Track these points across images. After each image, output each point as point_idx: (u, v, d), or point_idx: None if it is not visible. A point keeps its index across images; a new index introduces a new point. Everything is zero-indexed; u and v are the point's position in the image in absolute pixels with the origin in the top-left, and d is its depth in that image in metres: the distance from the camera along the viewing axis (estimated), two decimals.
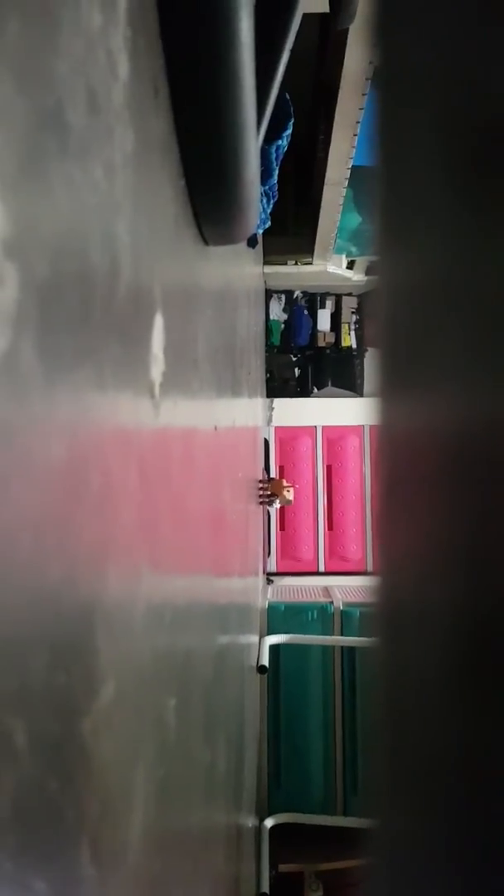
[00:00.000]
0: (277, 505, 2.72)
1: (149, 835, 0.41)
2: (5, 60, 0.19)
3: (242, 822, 1.54)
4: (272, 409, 4.12)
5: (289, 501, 2.69)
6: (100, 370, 0.30)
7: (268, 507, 2.98)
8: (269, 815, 2.55)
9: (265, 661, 2.22)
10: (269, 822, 2.47)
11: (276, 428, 4.11)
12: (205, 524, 0.72)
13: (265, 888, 2.19)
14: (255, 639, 2.27)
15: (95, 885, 0.30)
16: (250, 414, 1.93)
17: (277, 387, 4.23)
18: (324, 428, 4.11)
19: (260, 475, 2.75)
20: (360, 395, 4.23)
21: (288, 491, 2.64)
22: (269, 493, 2.63)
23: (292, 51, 0.66)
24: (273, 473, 4.00)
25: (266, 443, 3.97)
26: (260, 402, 3.07)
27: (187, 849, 0.61)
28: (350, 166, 2.49)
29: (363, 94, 2.03)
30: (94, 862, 0.30)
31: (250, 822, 1.94)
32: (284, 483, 2.66)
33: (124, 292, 0.34)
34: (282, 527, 4.01)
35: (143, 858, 0.39)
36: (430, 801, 0.14)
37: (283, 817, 2.54)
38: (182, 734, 0.55)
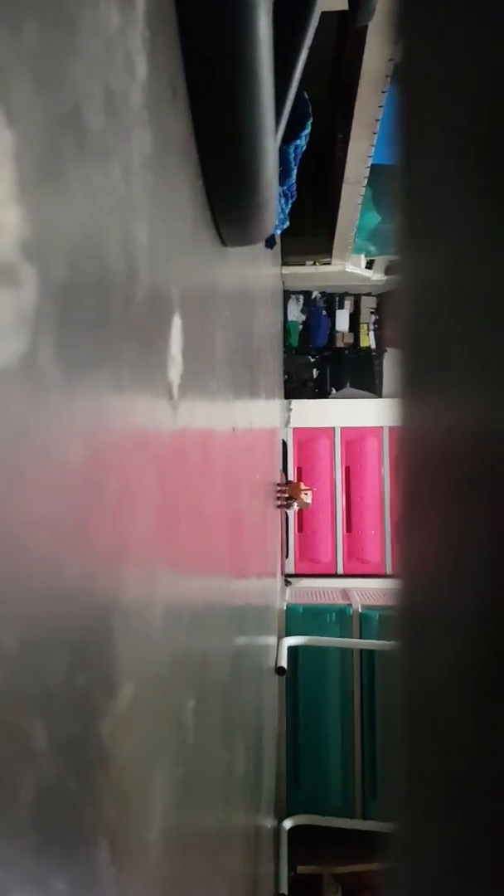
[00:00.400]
0: (296, 508, 2.74)
1: (167, 835, 0.41)
2: (24, 62, 0.20)
3: (261, 823, 1.54)
4: (290, 410, 4.12)
5: (307, 504, 2.71)
6: (118, 372, 0.30)
7: (286, 510, 2.97)
8: (288, 816, 2.55)
9: (283, 663, 2.22)
10: (287, 824, 2.47)
11: (294, 429, 4.10)
12: (222, 526, 0.72)
13: (283, 889, 2.19)
14: (273, 640, 2.27)
15: (114, 886, 0.30)
16: (268, 415, 1.93)
17: (295, 388, 4.22)
18: (342, 429, 4.09)
19: (278, 477, 2.76)
20: (379, 395, 4.21)
21: (306, 494, 2.66)
22: (287, 496, 2.64)
23: (310, 49, 0.65)
24: (291, 475, 3.99)
25: (284, 444, 3.97)
26: (278, 403, 3.07)
27: (206, 849, 0.61)
28: (369, 165, 2.48)
29: (383, 92, 2.02)
30: (114, 862, 0.30)
31: (269, 823, 1.94)
32: (302, 486, 2.68)
33: (142, 294, 0.34)
34: (300, 528, 4.00)
35: (161, 859, 0.39)
36: (450, 805, 0.13)
37: (302, 819, 2.54)
38: (200, 735, 0.55)
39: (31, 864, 0.21)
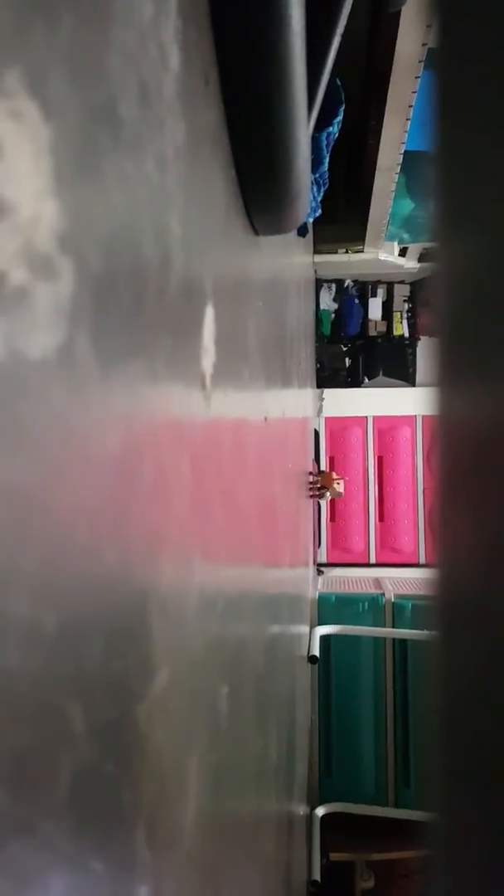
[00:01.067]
0: (328, 497, 2.75)
1: (202, 819, 0.41)
2: (60, 56, 0.20)
3: (294, 809, 1.55)
4: (322, 399, 4.10)
5: (339, 494, 2.74)
6: (152, 362, 0.30)
7: (318, 500, 3.01)
8: (320, 804, 2.56)
9: (316, 652, 2.22)
10: (319, 811, 2.48)
11: (327, 418, 4.08)
12: (255, 514, 0.72)
13: (316, 876, 2.20)
14: (305, 629, 2.27)
15: (150, 868, 0.30)
16: (300, 404, 1.92)
17: (328, 377, 4.20)
18: (375, 418, 4.07)
19: (310, 466, 2.76)
20: (413, 384, 4.17)
21: (338, 483, 2.69)
22: (319, 486, 2.66)
23: (343, 35, 0.65)
24: (323, 464, 3.98)
25: (316, 433, 3.96)
26: (310, 392, 3.06)
27: (239, 834, 0.62)
28: (402, 152, 2.45)
29: (416, 78, 1.99)
30: (150, 845, 0.30)
31: (301, 810, 1.95)
32: (334, 476, 2.70)
33: (176, 284, 0.34)
34: (332, 518, 4.00)
35: (196, 842, 0.40)
36: (489, 795, 0.13)
37: (335, 807, 2.55)
38: (234, 721, 0.55)
39: (68, 845, 0.21)
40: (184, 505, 0.36)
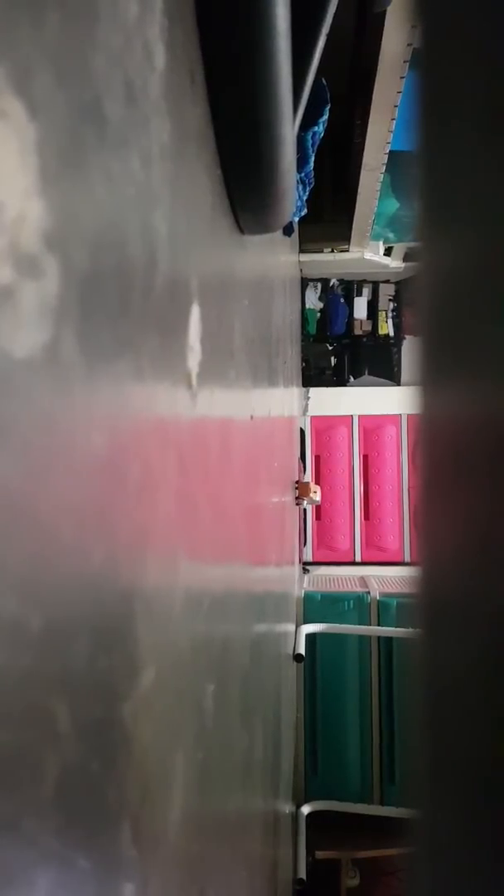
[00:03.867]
0: (306, 504, 3.03)
1: (188, 817, 0.41)
2: (46, 55, 0.20)
3: (279, 807, 1.55)
4: (308, 398, 4.10)
5: (316, 501, 3.04)
6: (138, 361, 0.30)
7: (299, 507, 3.27)
8: (306, 802, 2.56)
9: (301, 650, 2.22)
10: (305, 809, 2.48)
11: (312, 417, 4.09)
12: (241, 513, 0.72)
13: (302, 874, 2.20)
14: (291, 627, 2.27)
15: (136, 865, 0.30)
16: (286, 403, 1.93)
17: (313, 376, 4.21)
18: (360, 417, 4.08)
19: (296, 465, 2.82)
20: (398, 383, 4.19)
21: (315, 493, 2.98)
22: (297, 495, 2.96)
23: (328, 35, 0.65)
24: (309, 463, 3.99)
25: (302, 432, 3.96)
26: (296, 391, 3.07)
27: (225, 832, 0.62)
28: (387, 151, 2.45)
29: (401, 78, 1.99)
30: (136, 842, 0.30)
31: (287, 808, 1.95)
32: (311, 486, 2.99)
33: (162, 283, 0.34)
34: (318, 516, 4.00)
35: (182, 840, 0.40)
36: (471, 793, 0.14)
37: (320, 804, 2.55)
38: (220, 720, 0.55)
39: (55, 843, 0.21)
40: (170, 504, 0.36)
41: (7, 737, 0.18)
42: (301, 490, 2.95)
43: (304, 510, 3.89)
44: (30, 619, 0.19)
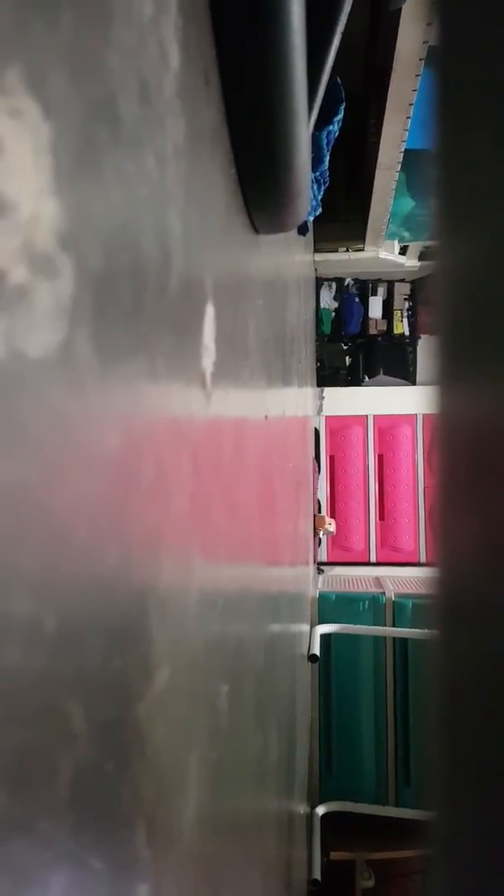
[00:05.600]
0: (322, 535, 3.50)
1: (202, 818, 0.41)
2: (60, 54, 0.20)
3: (294, 808, 1.55)
4: (322, 398, 4.10)
5: (331, 532, 3.49)
6: (152, 361, 0.30)
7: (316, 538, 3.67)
8: (321, 802, 2.56)
9: (316, 650, 2.22)
10: (320, 810, 2.48)
11: (327, 417, 4.08)
12: (256, 513, 0.72)
13: (317, 875, 2.20)
14: (305, 628, 2.27)
15: (150, 866, 0.30)
16: (301, 403, 1.92)
17: (328, 375, 4.20)
18: (375, 417, 4.06)
19: (310, 465, 2.86)
20: (413, 383, 4.17)
21: (329, 524, 3.41)
22: (315, 526, 3.32)
23: (343, 34, 0.65)
24: (323, 463, 3.99)
25: (316, 432, 3.96)
26: (310, 391, 3.07)
27: (240, 833, 0.62)
28: (403, 150, 2.44)
29: (416, 76, 1.98)
30: (150, 843, 0.30)
31: (302, 808, 1.95)
32: (326, 518, 3.43)
33: (176, 283, 0.34)
34: (332, 517, 4.00)
35: (196, 841, 0.40)
36: (488, 793, 0.13)
37: (335, 805, 2.55)
38: (234, 720, 0.55)
39: (69, 844, 0.21)
40: (184, 504, 0.36)
41: (21, 737, 0.18)
42: (317, 523, 3.31)
43: (319, 508, 3.91)
44: (44, 620, 0.19)
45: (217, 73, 0.46)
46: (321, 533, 3.44)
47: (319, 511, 3.87)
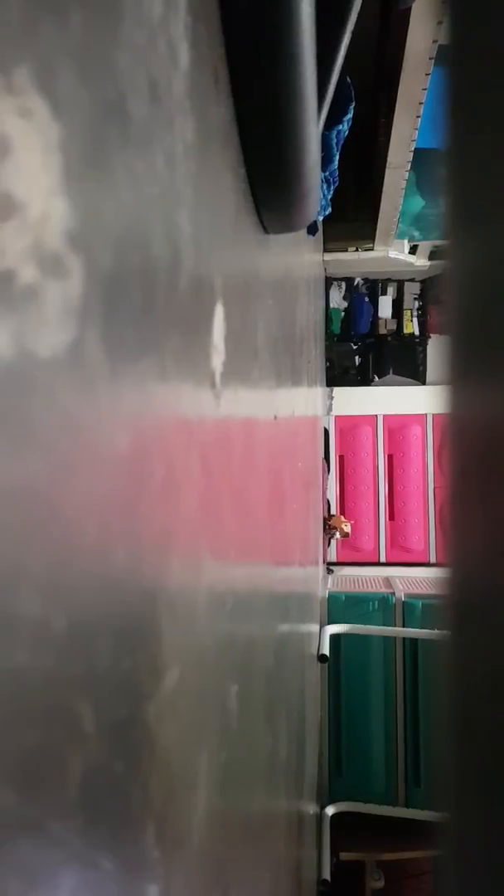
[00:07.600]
0: (338, 536, 3.59)
1: (212, 818, 0.41)
2: (70, 53, 0.20)
3: (303, 808, 1.55)
4: (332, 398, 4.09)
5: (347, 534, 3.57)
6: (162, 361, 0.30)
7: (330, 538, 3.79)
8: (330, 803, 2.55)
9: (325, 651, 2.22)
10: (329, 810, 2.47)
11: (337, 417, 4.07)
12: (265, 513, 0.72)
13: (326, 875, 2.20)
14: (315, 628, 2.27)
15: (160, 866, 0.30)
16: (310, 403, 1.92)
17: (337, 375, 4.19)
18: (385, 417, 4.05)
19: (320, 465, 2.86)
20: (423, 383, 4.16)
21: (346, 525, 3.50)
22: (331, 526, 3.41)
23: (353, 33, 0.64)
24: (333, 463, 3.99)
25: (326, 432, 3.95)
26: (319, 391, 3.06)
27: (249, 833, 0.61)
28: (412, 149, 2.44)
29: (426, 75, 1.98)
30: (159, 843, 0.30)
31: (311, 809, 1.95)
32: (342, 519, 3.52)
33: (186, 282, 0.34)
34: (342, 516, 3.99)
35: (206, 841, 0.40)
36: (499, 795, 0.13)
37: (344, 806, 2.54)
38: (244, 720, 0.55)
39: (78, 844, 0.21)
40: (193, 503, 0.36)
41: (31, 737, 0.18)
42: (334, 522, 3.43)
43: (329, 508, 3.91)
44: (54, 620, 0.19)
45: (227, 72, 0.46)
46: (337, 534, 3.49)
47: (330, 511, 3.88)
